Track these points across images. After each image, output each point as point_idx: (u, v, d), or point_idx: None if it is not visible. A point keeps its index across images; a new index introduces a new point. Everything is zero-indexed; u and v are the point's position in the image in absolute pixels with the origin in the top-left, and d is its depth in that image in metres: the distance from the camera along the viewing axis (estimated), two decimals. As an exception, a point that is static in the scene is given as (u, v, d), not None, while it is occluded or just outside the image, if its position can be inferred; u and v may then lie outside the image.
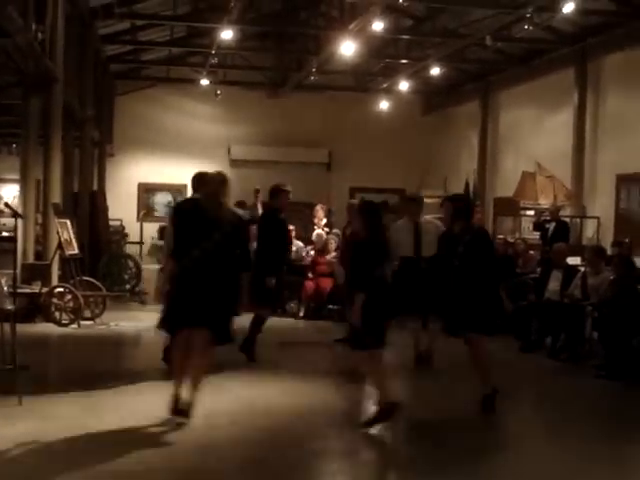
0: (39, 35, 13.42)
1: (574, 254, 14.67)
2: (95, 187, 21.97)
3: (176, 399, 7.67)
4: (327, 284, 15.46)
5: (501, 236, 19.38)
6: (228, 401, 8.75)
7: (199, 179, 8.70)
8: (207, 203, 7.63)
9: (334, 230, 16.57)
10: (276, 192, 11.65)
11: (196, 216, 7.58)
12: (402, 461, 7.29)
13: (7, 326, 8.57)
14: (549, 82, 20.25)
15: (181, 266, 7.51)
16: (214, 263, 7.48)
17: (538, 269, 14.33)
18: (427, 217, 11.43)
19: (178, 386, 7.70)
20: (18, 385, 8.21)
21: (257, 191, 15.44)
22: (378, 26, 16.54)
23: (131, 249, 21.82)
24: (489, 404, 8.61)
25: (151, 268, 16.85)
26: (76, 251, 14.78)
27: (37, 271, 14.24)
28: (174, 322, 7.71)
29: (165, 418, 7.66)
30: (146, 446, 7.05)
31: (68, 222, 14.84)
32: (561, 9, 15.34)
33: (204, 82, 23.75)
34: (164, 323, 7.83)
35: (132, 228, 23.60)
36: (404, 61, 21.55)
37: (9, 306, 8.76)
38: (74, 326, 13.53)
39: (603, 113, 18.21)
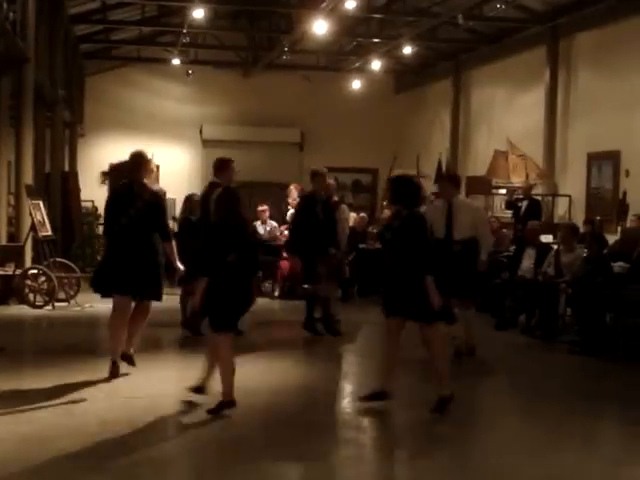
0: (10, 15, 13.28)
1: (546, 232, 14.80)
2: (67, 168, 21.80)
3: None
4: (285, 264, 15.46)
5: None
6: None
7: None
8: (129, 184, 8.88)
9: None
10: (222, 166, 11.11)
11: (120, 197, 8.88)
12: (378, 438, 7.36)
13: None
14: (521, 61, 20.31)
15: (107, 239, 9.12)
16: (132, 235, 8.61)
17: (511, 247, 14.42)
18: (463, 197, 11.62)
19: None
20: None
21: None
22: (350, 4, 16.54)
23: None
24: (441, 407, 7.76)
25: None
26: (49, 232, 14.69)
27: (10, 253, 14.17)
28: (104, 285, 8.96)
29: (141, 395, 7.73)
30: (124, 425, 7.05)
31: (41, 203, 14.73)
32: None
33: (175, 62, 23.61)
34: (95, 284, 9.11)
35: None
36: (376, 40, 21.51)
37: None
38: (48, 308, 13.48)
39: (574, 92, 18.30)
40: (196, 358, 8.30)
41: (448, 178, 11.75)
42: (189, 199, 11.97)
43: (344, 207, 13.64)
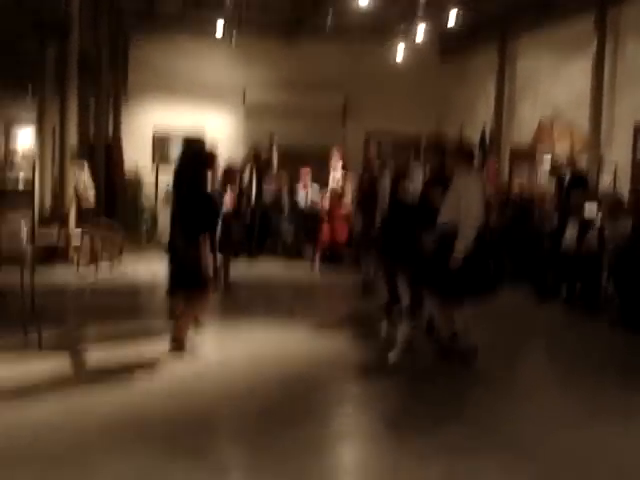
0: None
1: (591, 203, 14.62)
2: (111, 134, 21.92)
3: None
4: (343, 229, 15.44)
5: (517, 184, 19.36)
6: (245, 347, 8.84)
7: None
8: None
9: (349, 173, 16.50)
10: None
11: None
12: (415, 410, 7.38)
13: (26, 271, 8.67)
14: (568, 29, 19.98)
15: None
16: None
17: (555, 218, 14.28)
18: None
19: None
20: (38, 328, 8.30)
21: (272, 135, 15.45)
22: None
23: (146, 196, 21.93)
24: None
25: (166, 214, 16.91)
26: (93, 192, 14.74)
27: (55, 214, 14.29)
28: None
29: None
30: (164, 390, 7.15)
31: (85, 164, 14.81)
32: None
33: (219, 27, 23.55)
34: None
35: (148, 174, 23.65)
36: (422, 6, 21.27)
37: (28, 249, 8.84)
38: (92, 269, 13.60)
39: (622, 61, 17.99)
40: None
41: (456, 149, 9.39)
42: (229, 171, 12.00)
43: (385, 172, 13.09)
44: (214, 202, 8.44)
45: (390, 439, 6.32)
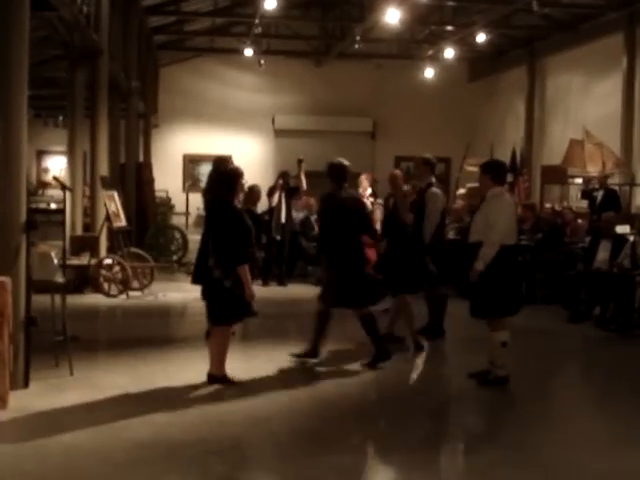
0: (84, 8, 13.45)
1: (623, 223, 14.49)
2: (141, 158, 22.09)
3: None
4: (372, 254, 15.36)
5: (549, 205, 19.24)
6: (276, 371, 8.81)
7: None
8: None
9: (378, 200, 16.46)
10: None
11: None
12: (449, 430, 7.32)
13: (57, 298, 8.70)
14: (597, 47, 19.91)
15: None
16: None
17: (587, 238, 14.17)
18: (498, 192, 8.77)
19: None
20: (69, 356, 8.32)
21: (300, 161, 15.43)
22: (423, -7, 16.38)
23: (177, 220, 22.02)
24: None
25: (197, 239, 16.96)
26: (124, 223, 14.89)
27: (86, 243, 14.38)
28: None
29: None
30: (195, 415, 7.13)
31: (115, 194, 14.93)
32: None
33: (248, 52, 23.67)
34: None
35: (178, 199, 23.76)
36: (449, 28, 21.31)
37: (59, 278, 8.87)
38: (123, 297, 13.66)
39: (653, 79, 17.90)
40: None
41: (483, 167, 8.97)
42: (251, 190, 11.98)
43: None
44: (245, 221, 8.21)
45: (427, 463, 6.25)
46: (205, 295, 8.18)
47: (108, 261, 13.98)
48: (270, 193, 15.97)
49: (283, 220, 15.82)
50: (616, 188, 17.20)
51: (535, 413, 7.72)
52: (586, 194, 17.14)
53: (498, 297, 8.28)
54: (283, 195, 15.86)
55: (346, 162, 9.32)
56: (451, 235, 15.10)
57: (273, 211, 15.84)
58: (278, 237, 15.71)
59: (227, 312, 8.05)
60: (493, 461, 6.27)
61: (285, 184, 15.93)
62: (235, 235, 7.96)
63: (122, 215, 14.91)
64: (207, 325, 8.33)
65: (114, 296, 13.68)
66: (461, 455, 6.74)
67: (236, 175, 8.30)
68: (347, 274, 9.05)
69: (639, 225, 12.65)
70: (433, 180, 10.80)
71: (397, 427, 7.31)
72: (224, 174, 8.43)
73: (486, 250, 8.22)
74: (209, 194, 8.42)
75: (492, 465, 6.20)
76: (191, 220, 21.85)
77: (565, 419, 7.68)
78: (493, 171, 8.71)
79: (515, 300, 8.55)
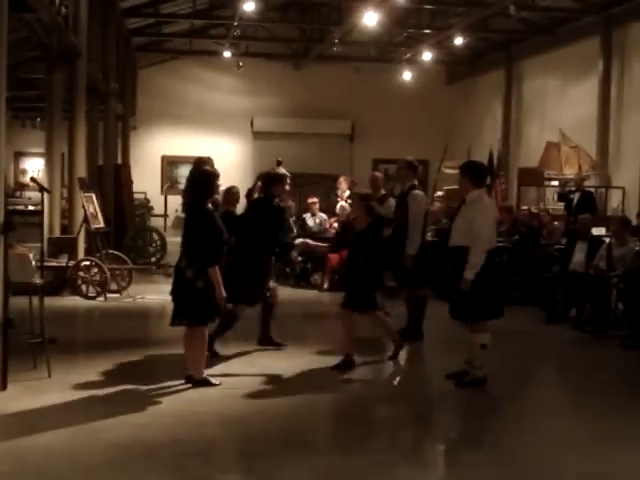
0: (63, 10, 13.44)
1: (599, 225, 14.62)
2: (119, 160, 22.05)
3: None
4: (334, 258, 15.41)
5: (525, 207, 19.36)
6: (254, 373, 8.83)
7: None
8: None
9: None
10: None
11: None
12: (427, 431, 7.37)
13: (35, 300, 8.69)
14: (574, 51, 20.08)
15: None
16: None
17: (563, 240, 14.27)
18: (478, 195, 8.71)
19: None
20: (47, 358, 8.32)
21: (279, 163, 15.44)
22: (401, -4, 16.46)
23: (156, 222, 21.99)
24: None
25: (176, 241, 16.95)
26: (102, 225, 14.87)
27: (64, 245, 14.34)
28: None
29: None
30: (172, 417, 7.14)
31: (93, 196, 14.90)
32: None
33: (226, 54, 23.73)
34: None
35: (156, 201, 23.75)
36: (427, 31, 21.43)
37: (37, 280, 8.86)
38: (101, 299, 13.64)
39: (628, 82, 18.05)
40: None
41: (462, 168, 8.88)
42: (230, 191, 11.91)
43: (391, 200, 12.99)
44: (217, 222, 8.17)
45: (405, 464, 6.29)
46: (176, 295, 8.18)
47: (86, 263, 13.95)
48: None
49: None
50: (592, 190, 17.35)
51: (512, 413, 7.79)
52: (562, 196, 17.27)
53: (482, 300, 8.32)
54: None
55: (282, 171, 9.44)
56: (429, 237, 15.16)
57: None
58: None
59: (201, 313, 8.05)
60: (471, 462, 6.32)
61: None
62: (206, 236, 7.96)
63: (100, 217, 14.89)
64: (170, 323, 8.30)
65: (92, 298, 13.65)
66: (439, 456, 6.80)
67: (211, 176, 8.31)
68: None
69: (614, 227, 12.73)
70: (416, 182, 10.81)
71: (374, 428, 7.36)
72: (199, 175, 8.42)
73: (475, 259, 8.22)
74: (185, 195, 8.41)
75: (470, 466, 6.24)
76: (169, 222, 21.86)
77: (541, 419, 7.74)
78: (472, 172, 8.69)
79: (500, 302, 8.60)
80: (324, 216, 17.26)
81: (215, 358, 9.16)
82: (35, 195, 15.87)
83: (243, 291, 9.36)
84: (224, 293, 8.05)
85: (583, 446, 6.77)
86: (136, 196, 22.41)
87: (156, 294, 14.20)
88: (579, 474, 6.16)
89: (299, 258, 16.51)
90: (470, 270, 8.21)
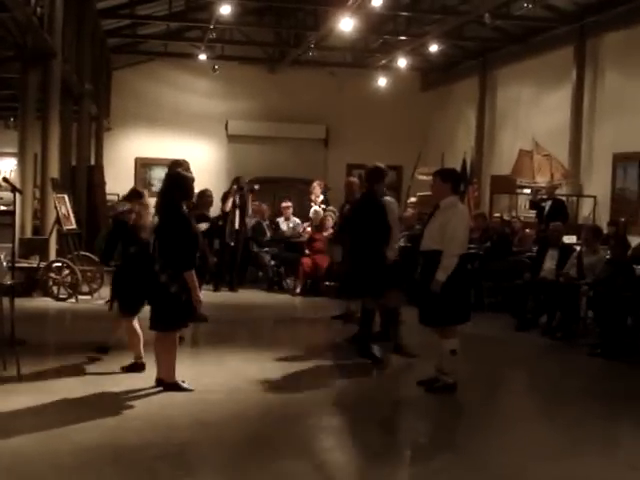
0: (38, 10, 13.38)
1: (570, 233, 14.74)
2: (93, 161, 21.95)
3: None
4: (324, 261, 15.49)
5: (497, 214, 19.48)
6: (225, 376, 8.83)
7: None
8: None
9: (330, 207, 16.57)
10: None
11: None
12: (397, 436, 7.40)
13: (5, 301, 8.64)
14: (547, 60, 20.21)
15: None
16: None
17: (534, 248, 14.37)
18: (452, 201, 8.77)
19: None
20: (17, 359, 8.27)
21: (239, 180, 15.61)
22: (377, 2, 16.50)
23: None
24: None
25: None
26: (74, 226, 14.80)
27: (35, 246, 14.26)
28: None
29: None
30: (143, 420, 7.13)
31: (66, 197, 14.84)
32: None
33: (202, 57, 23.66)
34: None
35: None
36: (403, 38, 21.48)
37: (8, 281, 8.81)
38: (72, 300, 13.58)
39: (601, 92, 18.20)
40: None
41: (442, 175, 8.90)
42: (203, 194, 11.85)
43: None
44: (193, 227, 8.11)
45: (374, 470, 6.31)
46: (150, 300, 8.15)
47: (58, 264, 13.89)
48: (224, 199, 15.91)
49: (237, 226, 15.79)
50: (563, 199, 17.47)
51: (482, 420, 7.84)
52: (534, 204, 17.37)
53: (451, 305, 8.37)
54: (237, 200, 15.80)
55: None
56: (401, 242, 15.22)
57: (227, 216, 15.74)
58: (232, 243, 15.67)
59: (173, 317, 8.01)
60: (440, 467, 6.35)
61: (239, 189, 15.87)
62: (182, 240, 7.90)
63: (72, 218, 14.84)
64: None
65: (63, 299, 13.59)
66: (409, 462, 6.81)
67: (189, 181, 8.25)
68: None
69: (585, 235, 12.83)
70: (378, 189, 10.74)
71: (345, 434, 7.39)
72: (176, 178, 8.35)
73: (447, 262, 8.28)
74: (159, 198, 8.32)
75: (439, 471, 6.28)
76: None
77: (511, 425, 7.80)
78: (453, 180, 8.77)
79: (467, 308, 8.66)
80: (297, 220, 17.29)
81: (379, 364, 9.63)
82: (7, 195, 15.72)
83: (368, 285, 9.72)
84: (201, 297, 8.05)
85: (552, 451, 6.82)
86: (109, 197, 22.27)
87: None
88: (548, 478, 6.21)
89: (272, 262, 16.57)
90: (442, 272, 8.26)
